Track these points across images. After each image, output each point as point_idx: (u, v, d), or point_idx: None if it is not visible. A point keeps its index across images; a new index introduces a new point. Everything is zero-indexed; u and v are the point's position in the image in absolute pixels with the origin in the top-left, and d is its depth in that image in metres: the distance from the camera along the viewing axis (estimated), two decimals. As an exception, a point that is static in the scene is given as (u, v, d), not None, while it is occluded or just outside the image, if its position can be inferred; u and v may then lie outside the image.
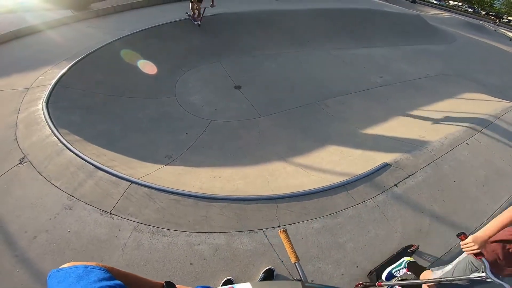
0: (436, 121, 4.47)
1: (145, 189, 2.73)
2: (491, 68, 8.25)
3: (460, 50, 8.82)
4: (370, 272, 2.46)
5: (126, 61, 5.10)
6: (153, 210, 2.60)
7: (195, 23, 6.23)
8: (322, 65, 6.16)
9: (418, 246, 2.57)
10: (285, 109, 4.65)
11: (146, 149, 3.66)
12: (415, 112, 4.87)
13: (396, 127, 4.37)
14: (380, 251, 2.61)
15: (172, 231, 2.48)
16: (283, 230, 1.27)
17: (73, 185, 2.71)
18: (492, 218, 2.92)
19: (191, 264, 2.31)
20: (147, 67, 5.14)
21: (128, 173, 2.90)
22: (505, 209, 2.99)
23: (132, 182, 2.78)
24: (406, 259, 2.44)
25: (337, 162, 3.52)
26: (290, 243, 1.22)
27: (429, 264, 2.58)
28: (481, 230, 1.47)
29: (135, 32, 5.66)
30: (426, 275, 2.07)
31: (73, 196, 2.63)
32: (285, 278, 2.33)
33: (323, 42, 7.13)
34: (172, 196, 2.72)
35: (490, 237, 1.43)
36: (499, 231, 1.42)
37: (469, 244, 1.46)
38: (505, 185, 3.40)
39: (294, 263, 1.16)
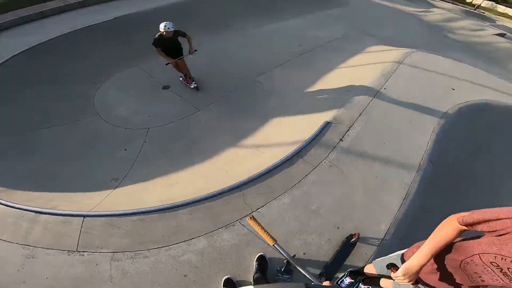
0: (355, 74, 4.95)
1: (102, 218, 2.51)
2: (382, 22, 9.45)
3: (354, 12, 9.83)
4: (320, 273, 2.40)
5: (24, 86, 4.26)
6: (121, 236, 2.41)
7: (191, 87, 4.72)
8: (245, 46, 6.15)
9: (359, 234, 2.59)
10: (220, 96, 4.55)
11: (85, 178, 3.26)
12: (336, 71, 5.31)
13: (324, 87, 4.71)
14: (351, 205, 2.81)
15: (151, 250, 2.35)
16: (251, 217, 1.24)
17: (20, 235, 2.45)
18: (428, 152, 3.47)
19: (185, 275, 2.24)
20: (52, 88, 4.38)
21: (76, 208, 2.63)
22: (436, 141, 3.52)
23: (84, 216, 2.53)
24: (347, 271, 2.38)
25: (284, 133, 3.65)
26: (262, 228, 1.20)
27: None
28: (412, 258, 1.26)
29: (27, 50, 4.73)
30: (369, 268, 2.05)
31: (28, 245, 2.39)
32: (278, 260, 2.37)
33: (240, 24, 7.09)
34: (135, 217, 2.54)
35: (422, 266, 1.23)
36: (431, 257, 1.22)
37: (400, 277, 1.26)
38: (427, 118, 3.96)
39: (273, 245, 1.15)
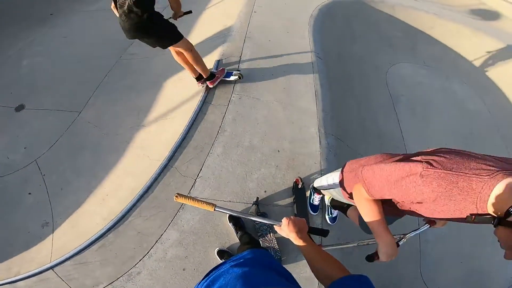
0: (224, 8, 4.76)
1: (68, 262, 2.37)
2: None
3: None
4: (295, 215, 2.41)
5: None
6: (100, 267, 2.32)
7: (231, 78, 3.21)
8: (89, 27, 5.10)
9: (301, 179, 2.57)
10: (95, 86, 3.87)
11: (16, 238, 2.77)
12: (208, 10, 5.00)
13: (204, 30, 4.46)
14: (277, 125, 2.94)
15: (137, 265, 2.29)
16: (176, 195, 1.15)
17: None
18: (313, 51, 3.70)
19: (183, 269, 2.25)
20: None
21: (36, 267, 2.42)
22: (314, 40, 3.92)
23: (51, 268, 2.37)
24: (311, 186, 2.50)
25: (181, 89, 3.44)
26: (194, 199, 1.13)
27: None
28: (380, 246, 1.12)
29: None
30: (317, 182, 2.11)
31: None
32: (244, 209, 2.46)
33: (66, 7, 5.69)
34: (94, 247, 2.40)
35: (392, 240, 1.12)
36: (387, 229, 1.12)
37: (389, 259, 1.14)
38: (299, 25, 4.23)
39: (214, 210, 1.12)
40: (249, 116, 3.00)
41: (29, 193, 3.03)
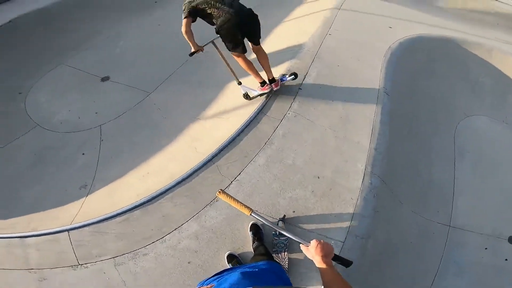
0: (300, 26, 4.90)
1: (87, 228, 2.46)
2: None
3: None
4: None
5: None
6: (114, 240, 2.39)
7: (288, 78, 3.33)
8: (178, 21, 5.68)
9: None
10: (169, 73, 4.25)
11: (52, 193, 3.02)
12: (282, 25, 5.19)
13: (273, 42, 4.61)
14: (324, 151, 2.86)
15: (147, 247, 2.35)
16: (220, 191, 1.17)
17: (19, 262, 2.43)
18: (382, 85, 3.55)
19: (189, 262, 2.26)
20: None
21: (58, 224, 2.54)
22: (386, 74, 3.69)
23: (68, 230, 2.47)
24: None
25: (240, 92, 3.56)
26: (234, 199, 1.15)
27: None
28: None
29: None
30: None
31: (32, 269, 2.38)
32: (271, 222, 2.39)
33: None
34: (118, 218, 2.49)
35: None
36: None
37: None
38: (374, 54, 4.11)
39: (250, 215, 1.12)
40: (299, 135, 2.97)
41: (83, 154, 3.38)
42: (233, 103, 3.49)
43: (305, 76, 3.52)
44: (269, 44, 4.58)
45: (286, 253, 2.25)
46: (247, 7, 2.82)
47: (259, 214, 1.13)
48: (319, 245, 0.99)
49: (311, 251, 1.01)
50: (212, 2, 2.63)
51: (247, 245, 2.32)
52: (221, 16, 2.63)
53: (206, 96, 3.77)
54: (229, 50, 2.92)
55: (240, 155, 2.83)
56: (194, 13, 2.69)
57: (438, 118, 4.14)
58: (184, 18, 2.68)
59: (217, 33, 2.80)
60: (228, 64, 3.09)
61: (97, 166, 3.22)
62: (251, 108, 3.18)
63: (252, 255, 2.22)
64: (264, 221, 1.15)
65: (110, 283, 2.25)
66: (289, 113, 3.12)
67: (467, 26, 5.97)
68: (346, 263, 1.08)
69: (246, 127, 2.98)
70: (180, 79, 4.18)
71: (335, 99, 3.35)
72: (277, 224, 2.35)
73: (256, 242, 2.26)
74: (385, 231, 2.69)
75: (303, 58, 3.80)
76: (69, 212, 2.73)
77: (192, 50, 2.92)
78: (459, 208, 3.25)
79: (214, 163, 2.79)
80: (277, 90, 3.25)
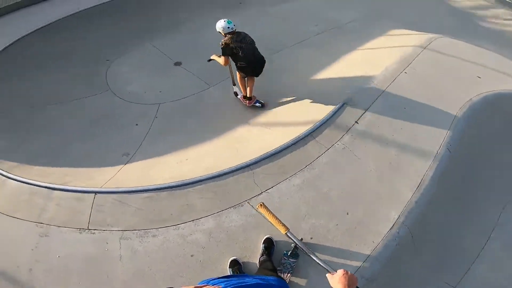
0: (373, 57, 4.73)
1: (113, 195, 2.53)
2: (404, 6, 8.93)
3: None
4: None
5: (36, 66, 4.31)
6: (131, 214, 2.44)
7: (258, 105, 3.81)
8: (259, 24, 5.94)
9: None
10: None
11: (98, 153, 3.28)
12: (355, 53, 5.07)
13: (341, 68, 4.52)
14: (362, 191, 2.74)
15: (160, 229, 2.37)
16: (261, 204, 1.18)
17: (35, 212, 2.49)
18: (446, 140, 3.27)
19: (192, 255, 2.25)
20: (64, 66, 4.42)
21: (88, 185, 2.65)
22: (456, 129, 3.27)
23: (95, 192, 2.56)
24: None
25: (297, 112, 3.53)
26: (273, 215, 1.15)
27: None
28: None
29: (37, 30, 4.84)
30: None
31: (41, 223, 2.43)
32: (284, 243, 2.34)
33: (254, 2, 6.84)
34: (145, 194, 2.55)
35: None
36: None
37: None
38: (449, 105, 3.74)
39: (285, 233, 1.12)
40: (342, 168, 2.85)
41: (136, 124, 3.66)
42: (285, 118, 3.50)
43: (365, 110, 3.36)
44: (335, 70, 4.51)
45: (289, 274, 2.18)
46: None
47: (293, 234, 1.13)
48: (345, 275, 1.02)
49: (335, 279, 1.03)
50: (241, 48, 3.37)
51: (253, 256, 2.28)
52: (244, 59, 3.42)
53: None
54: (237, 69, 3.62)
55: (278, 170, 2.80)
56: (230, 53, 3.39)
57: (493, 188, 3.59)
58: (224, 56, 3.42)
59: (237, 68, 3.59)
60: (231, 70, 3.78)
61: (143, 140, 3.46)
62: (301, 128, 3.14)
63: (256, 267, 2.19)
64: (297, 243, 1.15)
65: (106, 254, 2.28)
66: (338, 144, 3.00)
67: None
68: None
69: (292, 144, 2.95)
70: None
71: (390, 143, 3.13)
72: (292, 245, 2.28)
73: (264, 256, 2.21)
74: (391, 279, 2.53)
75: (368, 91, 3.64)
76: (104, 176, 2.92)
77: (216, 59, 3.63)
78: (472, 275, 2.87)
79: (251, 170, 2.80)
80: (331, 118, 3.24)
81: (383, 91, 3.67)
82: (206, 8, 6.17)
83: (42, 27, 5.31)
